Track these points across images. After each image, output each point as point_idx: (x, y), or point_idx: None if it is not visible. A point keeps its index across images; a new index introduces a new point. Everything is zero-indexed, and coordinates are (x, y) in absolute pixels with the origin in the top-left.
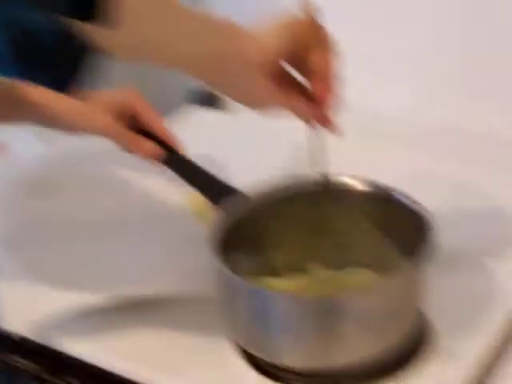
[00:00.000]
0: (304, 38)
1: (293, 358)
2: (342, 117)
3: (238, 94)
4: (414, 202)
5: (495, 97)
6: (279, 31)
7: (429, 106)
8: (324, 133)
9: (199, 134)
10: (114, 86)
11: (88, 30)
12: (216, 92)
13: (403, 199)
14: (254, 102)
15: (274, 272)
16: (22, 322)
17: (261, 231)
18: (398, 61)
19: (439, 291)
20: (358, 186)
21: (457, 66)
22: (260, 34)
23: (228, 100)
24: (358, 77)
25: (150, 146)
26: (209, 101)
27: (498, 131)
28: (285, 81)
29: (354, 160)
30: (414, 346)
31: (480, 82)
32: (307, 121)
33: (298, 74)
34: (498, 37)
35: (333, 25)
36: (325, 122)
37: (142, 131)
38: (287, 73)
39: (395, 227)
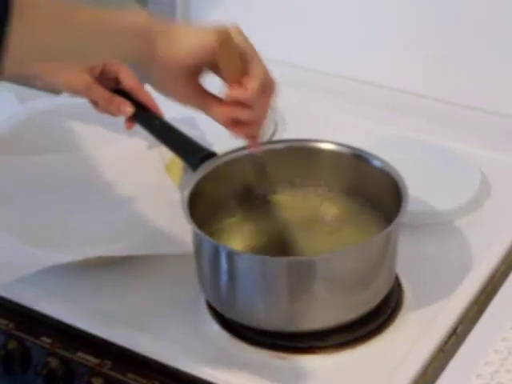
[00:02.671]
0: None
1: (258, 319)
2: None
3: (163, 90)
4: (389, 165)
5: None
6: (204, 34)
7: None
8: None
9: None
10: None
11: None
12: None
13: (378, 162)
14: (175, 98)
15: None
16: None
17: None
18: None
19: (412, 256)
20: (333, 148)
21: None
22: (186, 36)
23: None
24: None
25: (126, 105)
26: None
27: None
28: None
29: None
30: (387, 312)
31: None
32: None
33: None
34: None
35: None
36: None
37: (120, 93)
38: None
39: (368, 190)
